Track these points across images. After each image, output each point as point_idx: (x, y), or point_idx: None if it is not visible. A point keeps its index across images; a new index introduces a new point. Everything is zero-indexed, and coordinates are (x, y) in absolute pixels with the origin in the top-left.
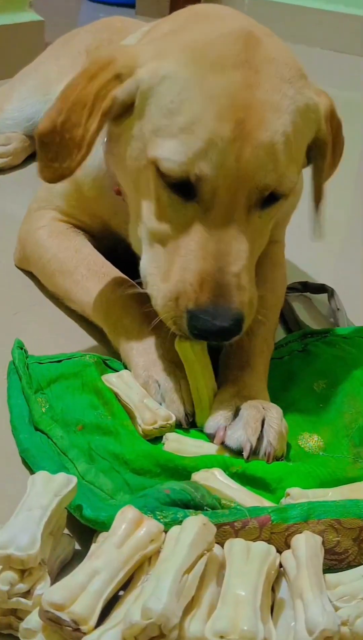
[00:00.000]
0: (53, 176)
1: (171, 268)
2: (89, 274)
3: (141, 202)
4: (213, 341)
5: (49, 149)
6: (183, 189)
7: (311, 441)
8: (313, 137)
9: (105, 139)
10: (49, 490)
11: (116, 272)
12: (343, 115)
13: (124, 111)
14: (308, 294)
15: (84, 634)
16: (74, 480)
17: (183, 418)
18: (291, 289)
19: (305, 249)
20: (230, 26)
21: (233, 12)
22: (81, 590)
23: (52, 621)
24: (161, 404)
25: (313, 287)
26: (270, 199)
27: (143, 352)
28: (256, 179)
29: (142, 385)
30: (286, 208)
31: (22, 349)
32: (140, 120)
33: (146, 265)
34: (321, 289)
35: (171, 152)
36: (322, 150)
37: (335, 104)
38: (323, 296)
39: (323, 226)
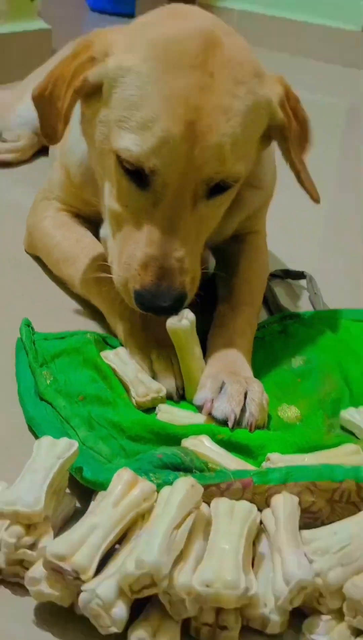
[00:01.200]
0: (48, 134)
1: (123, 254)
2: (90, 262)
3: (105, 183)
4: (159, 316)
5: (42, 112)
6: (139, 177)
7: (289, 412)
8: (266, 127)
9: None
10: (52, 454)
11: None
12: (323, 117)
13: (93, 93)
14: (289, 280)
15: (83, 582)
16: (76, 444)
17: (174, 391)
18: (274, 275)
19: (286, 241)
20: (195, 25)
21: (204, 13)
22: (80, 543)
23: (54, 571)
24: (154, 379)
25: (294, 274)
26: (217, 189)
27: (136, 332)
28: (203, 175)
29: (137, 362)
30: (259, 202)
31: (29, 326)
32: (106, 107)
33: (110, 250)
34: (300, 275)
35: (129, 144)
36: (282, 133)
37: (291, 90)
38: (303, 282)
39: (315, 191)
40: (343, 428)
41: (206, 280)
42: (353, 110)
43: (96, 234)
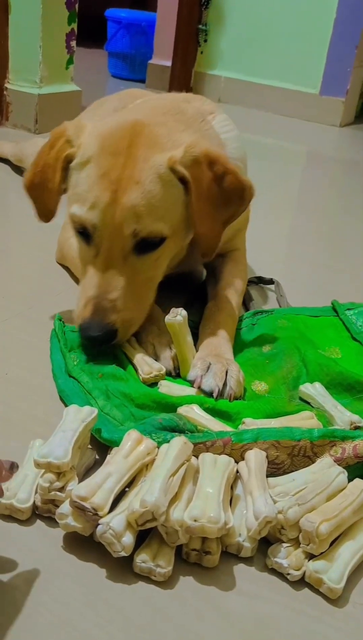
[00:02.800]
0: (44, 217)
1: (81, 293)
2: None
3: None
4: (95, 346)
5: (35, 198)
6: (86, 236)
7: (260, 386)
8: (181, 195)
9: None
10: (77, 418)
11: None
12: (288, 159)
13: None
14: (262, 285)
15: (100, 517)
16: (96, 411)
17: (172, 369)
18: (250, 282)
19: (259, 254)
20: (129, 120)
21: (145, 101)
22: (98, 487)
23: (78, 508)
24: (156, 361)
25: (265, 281)
26: (147, 246)
27: (144, 325)
28: (126, 232)
29: (143, 346)
30: (238, 225)
31: (61, 320)
32: (69, 180)
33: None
34: (270, 281)
35: (75, 210)
36: (188, 187)
37: (221, 156)
38: (272, 286)
39: (208, 248)
40: (301, 399)
41: (199, 285)
42: (311, 154)
43: None
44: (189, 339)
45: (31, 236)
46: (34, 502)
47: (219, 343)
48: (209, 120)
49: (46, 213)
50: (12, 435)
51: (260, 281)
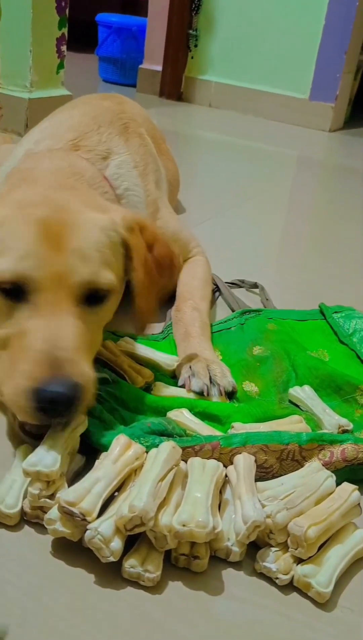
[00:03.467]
0: None
1: (9, 368)
2: None
3: None
4: (58, 413)
5: None
6: (14, 293)
7: (250, 387)
8: (120, 250)
9: None
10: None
11: None
12: (279, 164)
13: None
14: (246, 289)
15: (89, 522)
16: (84, 417)
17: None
18: (233, 284)
19: (249, 259)
20: (47, 194)
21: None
22: (86, 492)
23: (66, 514)
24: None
25: (249, 284)
26: (96, 299)
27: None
28: (71, 277)
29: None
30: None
31: None
32: None
33: None
34: (254, 285)
35: (2, 265)
36: (129, 253)
37: (152, 227)
38: (256, 290)
39: (142, 323)
40: (290, 402)
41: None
42: (301, 158)
43: None
44: (141, 351)
45: None
46: (22, 508)
47: (193, 344)
48: (105, 175)
49: None
50: (4, 441)
51: (243, 283)
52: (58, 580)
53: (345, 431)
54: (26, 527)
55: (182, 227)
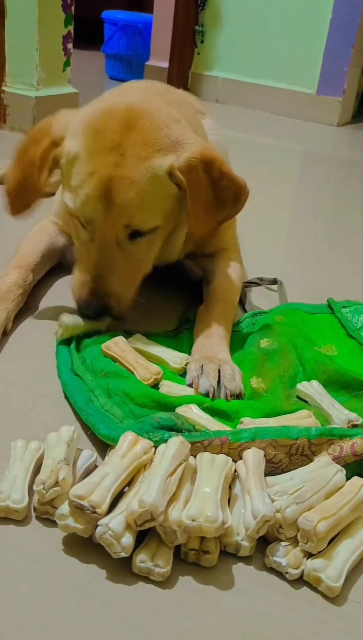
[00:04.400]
0: (17, 213)
1: (77, 271)
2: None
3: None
4: (89, 319)
5: (15, 197)
6: (82, 222)
7: (258, 384)
8: (174, 191)
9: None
10: (61, 441)
11: (39, 247)
12: (285, 158)
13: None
14: (265, 286)
15: (99, 515)
16: (72, 429)
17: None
18: (252, 282)
19: (258, 255)
20: (120, 104)
21: (139, 90)
22: (96, 486)
23: (77, 508)
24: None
25: (268, 281)
26: (138, 234)
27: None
28: (118, 225)
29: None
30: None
31: None
32: (63, 173)
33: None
34: (274, 281)
35: (68, 201)
36: (183, 192)
37: (216, 156)
38: (274, 286)
39: (198, 231)
40: (299, 397)
41: (196, 283)
42: (308, 153)
43: None
44: (151, 349)
45: None
46: (30, 504)
47: (211, 343)
48: (199, 119)
49: (21, 209)
50: (8, 435)
51: (262, 282)
52: (69, 576)
53: (354, 426)
54: (35, 522)
55: (235, 219)
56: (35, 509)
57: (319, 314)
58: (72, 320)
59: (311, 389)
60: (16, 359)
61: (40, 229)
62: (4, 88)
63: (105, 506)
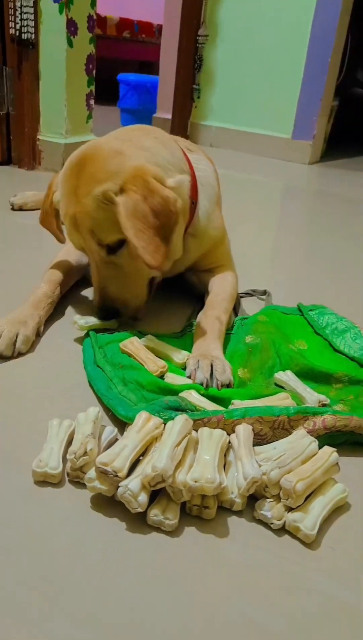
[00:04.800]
0: (59, 241)
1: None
2: (51, 266)
3: None
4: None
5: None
6: None
7: (244, 373)
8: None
9: None
10: (88, 419)
11: (58, 273)
12: (267, 192)
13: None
14: (256, 297)
15: (120, 478)
16: (97, 409)
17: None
18: (246, 293)
19: (248, 270)
20: (77, 155)
21: (115, 132)
22: (117, 455)
23: (102, 473)
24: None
25: (259, 292)
26: (111, 248)
27: (19, 310)
28: (92, 245)
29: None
30: (209, 241)
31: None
32: None
33: None
34: (263, 292)
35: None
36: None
37: (148, 174)
38: (264, 296)
39: (145, 256)
40: (276, 384)
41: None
42: (286, 187)
43: None
44: (159, 347)
45: None
46: (63, 469)
47: (208, 344)
48: (181, 153)
49: (59, 239)
50: (47, 414)
51: (254, 292)
52: (96, 527)
53: (324, 405)
54: (68, 485)
55: (227, 239)
56: (68, 474)
57: (292, 315)
58: (83, 321)
59: (286, 377)
60: (49, 355)
61: (67, 250)
62: (39, 137)
63: (125, 471)
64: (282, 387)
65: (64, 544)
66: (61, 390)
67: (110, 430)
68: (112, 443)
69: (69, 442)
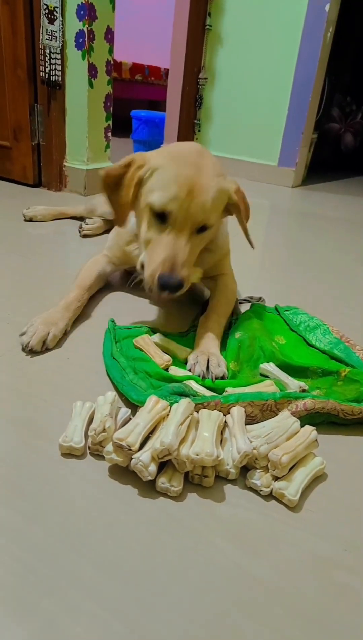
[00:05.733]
0: (120, 221)
1: (152, 258)
2: (80, 280)
3: (141, 225)
4: (170, 292)
5: (113, 203)
6: (160, 217)
7: (234, 366)
8: (226, 203)
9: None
10: (106, 401)
11: (86, 286)
12: (255, 211)
13: (140, 183)
14: (253, 302)
15: (133, 452)
16: (114, 393)
17: (32, 344)
18: (245, 300)
19: (246, 278)
20: (191, 145)
21: (191, 144)
22: (130, 432)
23: (118, 447)
24: (22, 338)
25: (255, 298)
26: (202, 228)
27: (50, 313)
28: (196, 217)
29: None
30: (214, 258)
31: (113, 321)
32: (144, 186)
33: (145, 260)
34: (259, 299)
35: (156, 198)
36: (235, 209)
37: (240, 187)
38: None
39: (253, 243)
40: (261, 374)
41: (204, 303)
42: (273, 207)
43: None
44: (165, 344)
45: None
46: (85, 443)
47: (206, 342)
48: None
49: (122, 218)
50: (71, 397)
51: (251, 299)
52: (113, 493)
53: (303, 390)
54: (89, 457)
55: (229, 252)
56: (89, 448)
57: (271, 314)
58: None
59: (270, 367)
60: (75, 349)
61: (95, 260)
62: (65, 163)
63: (137, 445)
64: (267, 377)
65: (86, 506)
66: (83, 377)
67: (124, 411)
68: (126, 422)
69: (90, 421)
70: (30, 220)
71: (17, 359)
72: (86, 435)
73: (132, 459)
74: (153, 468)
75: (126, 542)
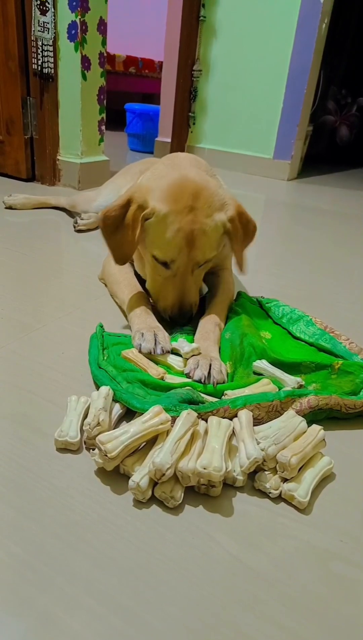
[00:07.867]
0: (121, 262)
1: (162, 295)
2: (126, 287)
3: (147, 264)
4: (180, 323)
5: (112, 243)
6: (164, 264)
7: (229, 367)
8: (223, 232)
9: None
10: (100, 396)
11: (139, 288)
12: (252, 204)
13: (143, 225)
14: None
15: (109, 458)
16: (108, 388)
17: (153, 349)
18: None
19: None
20: (188, 176)
21: (190, 161)
22: (115, 438)
23: (99, 449)
24: (141, 344)
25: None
26: (203, 263)
27: (138, 321)
28: (197, 260)
29: (134, 334)
30: (224, 254)
31: (102, 327)
32: (148, 233)
33: (151, 292)
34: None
35: (158, 253)
36: (230, 237)
37: (243, 208)
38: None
39: (246, 269)
40: (255, 372)
41: (201, 298)
42: (268, 200)
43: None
44: (160, 357)
45: (77, 262)
46: (81, 438)
47: (207, 345)
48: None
49: (123, 258)
50: (66, 392)
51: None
52: (110, 487)
53: (301, 386)
54: (85, 452)
55: (229, 248)
56: (85, 443)
57: (255, 306)
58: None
59: (263, 365)
60: (70, 344)
61: (112, 264)
62: (58, 157)
63: (115, 454)
64: (261, 374)
65: (81, 500)
66: (77, 373)
67: (119, 406)
68: (121, 417)
69: (85, 416)
70: (10, 208)
71: (11, 354)
72: (82, 430)
73: (131, 481)
74: (149, 493)
75: (123, 536)
